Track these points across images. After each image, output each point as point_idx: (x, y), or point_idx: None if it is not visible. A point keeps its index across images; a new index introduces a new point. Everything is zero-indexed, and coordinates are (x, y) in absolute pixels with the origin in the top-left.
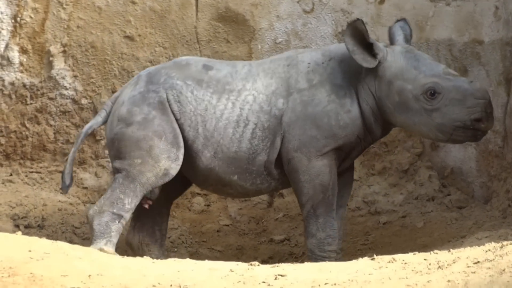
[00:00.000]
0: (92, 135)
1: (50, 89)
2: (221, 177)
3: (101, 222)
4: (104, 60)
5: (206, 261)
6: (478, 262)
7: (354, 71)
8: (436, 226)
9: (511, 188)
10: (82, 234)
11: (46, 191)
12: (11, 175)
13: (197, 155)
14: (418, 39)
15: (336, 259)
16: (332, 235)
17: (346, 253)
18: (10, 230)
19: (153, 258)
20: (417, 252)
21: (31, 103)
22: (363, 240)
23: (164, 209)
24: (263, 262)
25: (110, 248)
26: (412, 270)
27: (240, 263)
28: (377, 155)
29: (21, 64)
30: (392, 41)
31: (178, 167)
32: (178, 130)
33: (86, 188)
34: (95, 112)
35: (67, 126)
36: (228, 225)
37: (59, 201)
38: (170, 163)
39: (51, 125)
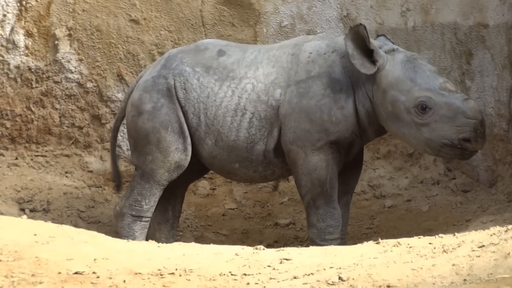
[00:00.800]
0: (98, 118)
1: (56, 73)
2: (224, 165)
3: (123, 225)
4: (109, 43)
5: (211, 245)
6: (483, 246)
7: (356, 70)
8: (441, 210)
9: None
10: (87, 218)
11: (51, 174)
12: (16, 158)
13: (200, 143)
14: (423, 23)
15: (341, 244)
16: (333, 225)
17: (351, 237)
18: (15, 214)
19: (162, 237)
20: (422, 236)
21: (36, 87)
22: (368, 224)
23: (179, 190)
24: (268, 246)
25: None
26: (417, 254)
27: (245, 247)
28: (382, 139)
29: (26, 47)
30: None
31: (188, 158)
32: (183, 119)
33: (91, 171)
34: (100, 95)
35: (72, 110)
36: (233, 209)
37: (65, 184)
38: (180, 155)
39: (56, 109)
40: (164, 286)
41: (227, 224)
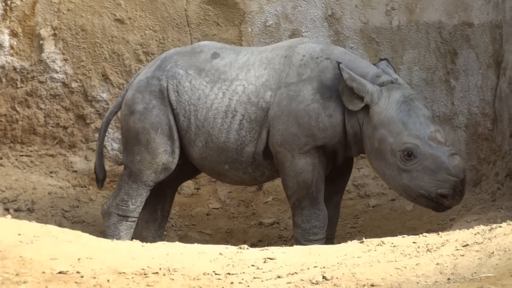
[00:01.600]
0: (82, 118)
1: (41, 73)
2: (214, 166)
3: (109, 224)
4: (94, 43)
5: (196, 244)
6: (467, 245)
7: None
8: (425, 209)
9: (500, 171)
10: (72, 218)
11: (36, 174)
12: (1, 158)
13: (191, 145)
14: (408, 22)
15: (328, 243)
16: (318, 225)
17: (335, 236)
18: None
19: (149, 236)
20: (406, 235)
21: (21, 87)
22: (352, 223)
23: (169, 190)
24: (252, 245)
25: None
26: (401, 253)
27: (229, 246)
28: None
29: (11, 47)
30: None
31: (175, 161)
32: (173, 122)
33: (76, 171)
34: (85, 95)
35: (57, 110)
36: (217, 209)
37: (49, 184)
38: (167, 157)
39: (41, 109)
40: (148, 285)
41: (211, 223)
